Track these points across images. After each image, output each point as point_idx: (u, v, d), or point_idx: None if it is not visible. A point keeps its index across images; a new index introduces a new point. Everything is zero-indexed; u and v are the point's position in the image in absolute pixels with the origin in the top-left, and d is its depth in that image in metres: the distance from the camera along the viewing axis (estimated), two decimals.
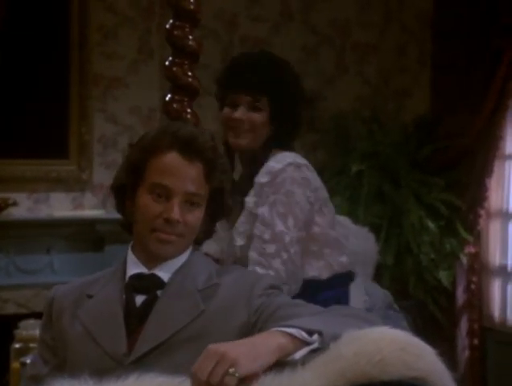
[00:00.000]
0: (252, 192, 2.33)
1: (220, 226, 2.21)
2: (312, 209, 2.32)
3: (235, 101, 2.35)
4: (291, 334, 1.56)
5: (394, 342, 1.52)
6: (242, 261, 2.30)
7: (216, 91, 2.46)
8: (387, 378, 1.48)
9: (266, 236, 2.25)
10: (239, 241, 2.34)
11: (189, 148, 1.81)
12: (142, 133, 1.94)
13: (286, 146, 2.39)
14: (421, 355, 1.52)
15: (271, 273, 2.20)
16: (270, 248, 2.24)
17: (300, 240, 2.28)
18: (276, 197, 2.27)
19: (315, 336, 1.56)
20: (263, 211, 2.27)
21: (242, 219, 2.34)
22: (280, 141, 2.38)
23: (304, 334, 1.56)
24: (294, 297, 1.97)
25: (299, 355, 1.55)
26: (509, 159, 4.99)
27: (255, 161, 2.36)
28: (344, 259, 2.41)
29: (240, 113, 2.33)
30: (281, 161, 2.32)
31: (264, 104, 2.33)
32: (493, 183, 4.98)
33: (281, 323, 1.61)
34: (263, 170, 2.31)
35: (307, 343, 1.56)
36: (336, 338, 1.54)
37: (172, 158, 1.81)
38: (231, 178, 1.98)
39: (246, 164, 2.42)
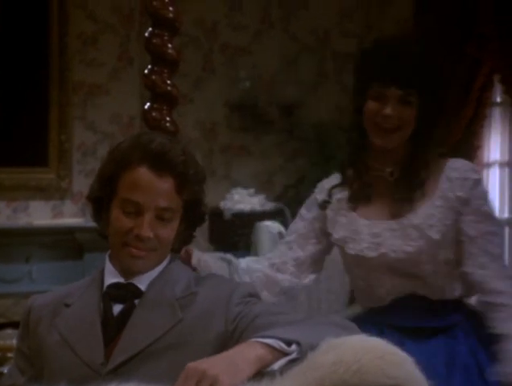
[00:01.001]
0: (446, 186, 2.19)
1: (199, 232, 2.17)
2: None
3: (383, 95, 2.14)
4: (269, 345, 1.56)
5: (373, 351, 1.52)
6: (423, 259, 2.19)
7: (356, 79, 2.26)
8: None
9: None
10: (434, 235, 2.17)
11: (159, 163, 1.79)
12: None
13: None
14: (399, 363, 1.53)
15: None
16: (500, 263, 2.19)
17: None
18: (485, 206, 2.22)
19: (294, 346, 1.56)
20: (487, 210, 2.21)
21: (433, 211, 2.18)
22: (429, 136, 2.22)
23: (282, 345, 1.56)
24: None
25: (277, 365, 1.55)
26: (487, 168, 5.03)
27: (407, 160, 2.22)
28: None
29: (390, 110, 2.13)
30: (473, 168, 2.27)
31: (414, 97, 2.13)
32: None
33: (259, 334, 1.60)
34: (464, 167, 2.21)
35: (286, 353, 1.56)
36: (313, 347, 1.54)
37: (142, 174, 1.79)
38: (203, 187, 1.94)
39: (389, 161, 2.24)
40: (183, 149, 1.86)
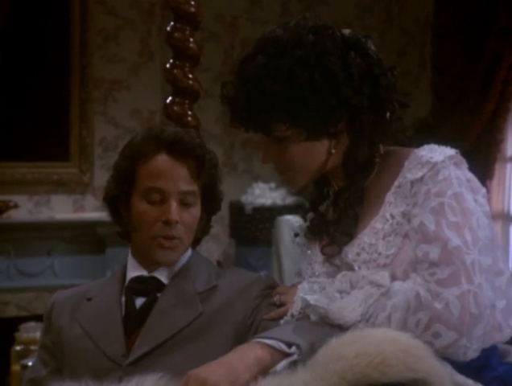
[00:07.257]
0: (391, 198, 1.70)
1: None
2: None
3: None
4: (269, 346, 1.57)
5: (396, 343, 1.52)
6: None
7: None
8: (387, 380, 1.48)
9: (434, 256, 1.57)
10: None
11: (177, 148, 1.81)
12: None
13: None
14: (422, 356, 1.52)
15: (437, 305, 1.54)
16: (442, 273, 1.55)
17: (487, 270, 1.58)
18: (443, 201, 1.62)
19: (294, 348, 1.57)
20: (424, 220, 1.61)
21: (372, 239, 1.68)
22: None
23: (282, 346, 1.57)
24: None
25: (280, 366, 1.55)
26: (510, 162, 5.00)
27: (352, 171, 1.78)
28: None
29: (263, 157, 1.79)
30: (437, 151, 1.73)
31: (286, 132, 1.71)
32: (494, 186, 4.99)
33: (261, 334, 1.61)
34: (413, 164, 1.71)
35: (286, 354, 1.57)
36: (314, 350, 1.54)
37: (161, 160, 1.81)
38: (220, 171, 1.94)
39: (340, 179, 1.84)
40: (196, 133, 1.88)
